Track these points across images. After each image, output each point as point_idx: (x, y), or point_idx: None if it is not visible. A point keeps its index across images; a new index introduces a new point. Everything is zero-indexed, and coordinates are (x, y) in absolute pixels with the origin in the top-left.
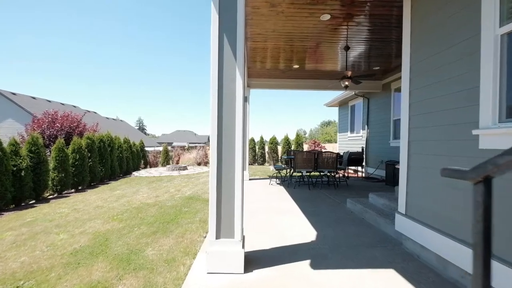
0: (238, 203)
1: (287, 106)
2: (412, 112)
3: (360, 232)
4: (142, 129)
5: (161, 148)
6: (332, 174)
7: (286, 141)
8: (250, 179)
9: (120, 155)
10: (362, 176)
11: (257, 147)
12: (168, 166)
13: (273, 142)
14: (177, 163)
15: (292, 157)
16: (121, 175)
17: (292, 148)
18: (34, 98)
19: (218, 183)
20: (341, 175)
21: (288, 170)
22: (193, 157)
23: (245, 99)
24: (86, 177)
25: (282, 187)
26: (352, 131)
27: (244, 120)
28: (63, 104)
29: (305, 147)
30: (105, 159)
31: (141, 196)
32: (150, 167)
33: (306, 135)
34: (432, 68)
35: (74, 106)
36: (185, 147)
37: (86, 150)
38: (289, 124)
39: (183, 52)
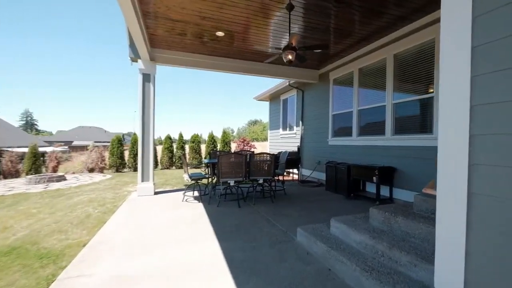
0: None
1: (213, 104)
2: (483, 65)
3: None
4: (31, 124)
5: (39, 149)
6: (268, 182)
7: (211, 139)
8: (156, 193)
9: None
10: (297, 180)
11: (174, 146)
12: (30, 176)
13: (195, 140)
14: (54, 170)
15: (215, 161)
16: None
17: (218, 147)
18: None
19: None
20: (276, 178)
21: (212, 179)
22: (83, 160)
23: (147, 77)
24: None
25: (200, 206)
26: (284, 128)
27: (145, 104)
28: None
29: (233, 147)
30: None
31: None
32: (5, 177)
33: (234, 134)
34: None
35: None
36: (88, 147)
37: None
38: (216, 122)
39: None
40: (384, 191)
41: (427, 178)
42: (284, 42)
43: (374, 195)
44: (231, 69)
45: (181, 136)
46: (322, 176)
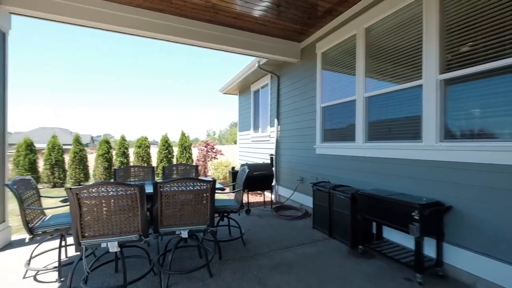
0: None
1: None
2: None
3: None
4: None
5: None
6: (204, 234)
7: (165, 143)
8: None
9: None
10: (271, 202)
11: (114, 153)
12: None
13: (143, 144)
14: None
15: (64, 198)
16: None
17: (175, 154)
18: None
19: None
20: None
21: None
22: None
23: None
24: None
25: None
26: (256, 129)
27: None
28: None
29: (195, 153)
30: None
31: None
32: None
33: (216, 136)
34: None
35: None
36: (42, 151)
37: None
38: (196, 124)
39: None
40: (427, 248)
41: None
42: None
43: (404, 251)
44: (159, 30)
45: (123, 139)
46: (306, 200)
